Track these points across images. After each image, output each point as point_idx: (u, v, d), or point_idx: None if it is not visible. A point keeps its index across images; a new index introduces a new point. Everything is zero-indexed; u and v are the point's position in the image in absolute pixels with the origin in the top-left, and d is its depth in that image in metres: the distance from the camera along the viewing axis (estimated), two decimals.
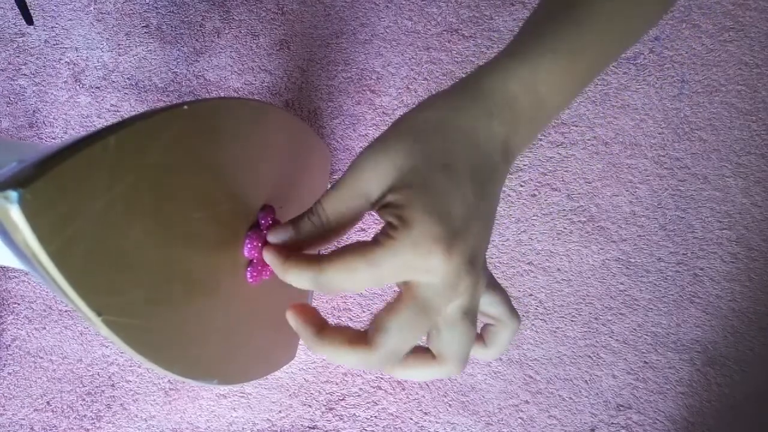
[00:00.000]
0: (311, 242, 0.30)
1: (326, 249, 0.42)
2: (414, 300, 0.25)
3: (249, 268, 0.34)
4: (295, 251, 0.29)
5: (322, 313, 0.59)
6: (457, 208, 0.26)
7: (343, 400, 0.56)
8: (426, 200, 0.25)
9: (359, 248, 0.25)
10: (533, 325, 0.55)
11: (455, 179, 0.26)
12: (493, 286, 0.29)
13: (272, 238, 0.30)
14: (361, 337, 0.25)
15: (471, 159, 0.27)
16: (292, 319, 0.29)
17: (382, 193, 0.26)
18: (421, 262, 0.24)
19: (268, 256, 0.29)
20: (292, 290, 0.46)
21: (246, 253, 0.33)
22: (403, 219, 0.25)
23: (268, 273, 0.36)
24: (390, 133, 0.27)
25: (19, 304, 0.59)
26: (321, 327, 0.27)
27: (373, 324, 0.25)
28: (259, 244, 0.33)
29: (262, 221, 0.35)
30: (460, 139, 0.27)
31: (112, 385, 0.58)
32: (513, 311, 0.29)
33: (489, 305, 0.29)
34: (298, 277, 0.27)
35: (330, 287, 0.26)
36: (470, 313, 0.26)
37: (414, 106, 0.28)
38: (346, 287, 0.26)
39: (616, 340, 0.54)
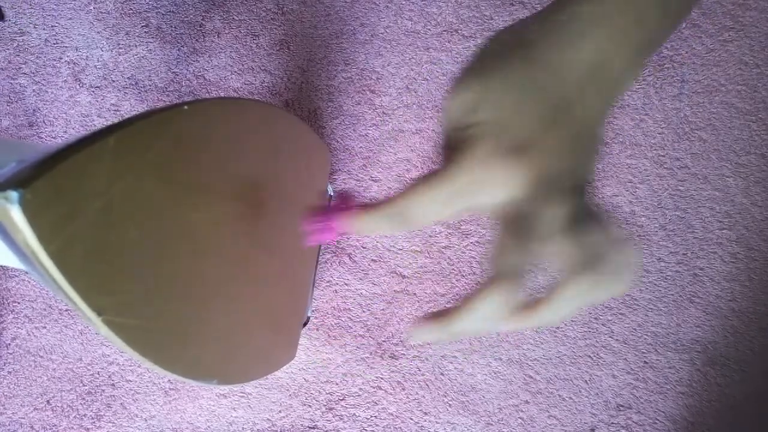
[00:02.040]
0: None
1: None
2: (504, 222, 0.25)
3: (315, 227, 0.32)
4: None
5: (322, 313, 0.59)
6: (529, 128, 0.26)
7: (343, 400, 0.56)
8: (497, 119, 0.26)
9: (433, 172, 0.26)
10: None
11: (530, 102, 0.26)
12: (593, 216, 0.27)
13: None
14: (480, 287, 0.26)
15: (552, 84, 0.26)
16: (422, 334, 0.28)
17: (465, 113, 0.27)
18: (489, 176, 0.25)
19: (351, 215, 0.29)
20: (292, 290, 0.46)
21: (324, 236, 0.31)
22: (472, 136, 0.26)
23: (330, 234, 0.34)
24: (477, 56, 0.28)
25: (19, 303, 0.59)
26: (445, 314, 0.27)
27: (486, 266, 0.26)
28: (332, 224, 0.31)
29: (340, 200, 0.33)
30: (543, 65, 0.27)
31: (112, 385, 0.58)
32: (616, 237, 0.26)
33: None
34: (379, 216, 0.27)
35: (409, 215, 0.27)
36: (571, 222, 0.26)
37: (511, 23, 0.29)
38: (425, 211, 0.27)
39: (616, 340, 0.54)
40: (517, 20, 0.29)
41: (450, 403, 0.55)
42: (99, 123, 0.60)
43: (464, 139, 0.26)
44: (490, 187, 0.25)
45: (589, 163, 0.27)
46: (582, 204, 0.27)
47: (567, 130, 0.26)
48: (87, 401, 0.58)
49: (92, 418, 0.58)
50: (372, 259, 0.57)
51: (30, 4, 0.61)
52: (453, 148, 0.27)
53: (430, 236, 0.56)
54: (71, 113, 0.60)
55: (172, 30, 0.60)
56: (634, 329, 0.54)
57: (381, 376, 0.56)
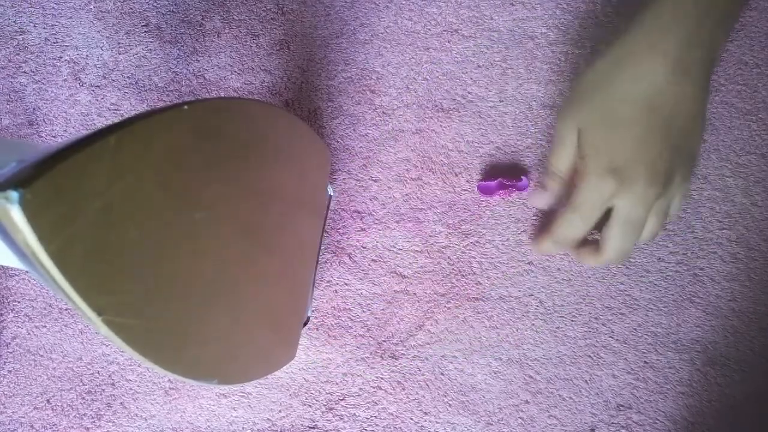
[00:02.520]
0: (556, 197, 0.43)
1: None
2: (575, 205, 0.38)
3: (501, 191, 0.52)
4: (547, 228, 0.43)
5: (322, 313, 0.59)
6: (621, 151, 0.34)
7: (343, 400, 0.56)
8: (596, 151, 0.35)
9: (568, 205, 0.39)
10: (533, 325, 0.55)
11: (616, 128, 0.34)
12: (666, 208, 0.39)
13: (536, 203, 0.46)
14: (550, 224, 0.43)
15: (628, 105, 0.34)
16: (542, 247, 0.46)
17: (577, 139, 0.37)
18: (605, 197, 0.35)
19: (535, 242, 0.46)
20: (293, 290, 0.46)
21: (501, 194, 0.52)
22: (582, 169, 0.36)
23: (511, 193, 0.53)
24: (568, 99, 0.38)
25: (19, 302, 0.59)
26: (541, 237, 0.44)
27: (554, 224, 0.42)
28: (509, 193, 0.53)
29: (522, 181, 0.52)
30: (618, 91, 0.34)
31: (112, 384, 0.58)
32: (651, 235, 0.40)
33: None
34: (545, 247, 0.44)
35: (563, 241, 0.41)
36: (629, 223, 0.37)
37: (590, 60, 0.43)
38: (573, 234, 0.39)
39: (616, 340, 0.55)
40: (592, 56, 0.40)
41: (450, 403, 0.55)
42: (99, 122, 0.60)
43: (579, 167, 0.37)
44: (607, 201, 0.36)
45: (684, 166, 0.37)
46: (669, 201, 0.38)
47: (654, 146, 0.34)
48: (87, 400, 0.58)
49: (92, 418, 0.58)
50: (372, 259, 0.57)
51: (30, 3, 0.61)
52: (575, 171, 0.39)
53: (430, 236, 0.56)
54: (71, 112, 0.60)
55: (172, 30, 0.60)
56: (634, 329, 0.54)
57: (381, 376, 0.56)
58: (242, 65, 0.59)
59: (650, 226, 0.39)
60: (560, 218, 0.39)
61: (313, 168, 0.47)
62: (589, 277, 0.55)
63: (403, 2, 0.58)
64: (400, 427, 0.56)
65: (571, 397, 0.55)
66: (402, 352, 0.56)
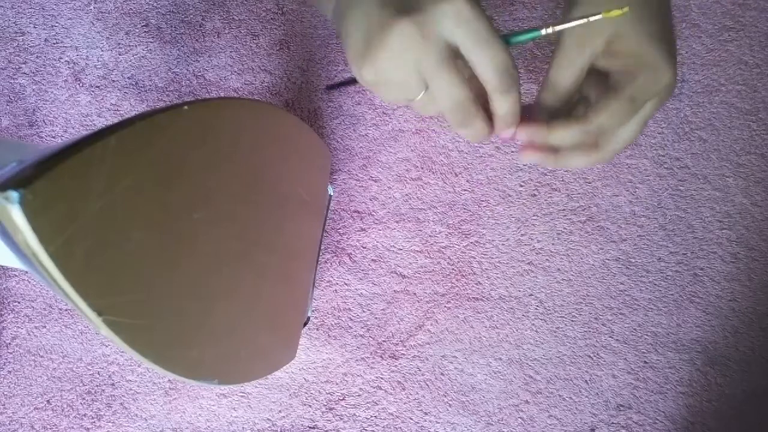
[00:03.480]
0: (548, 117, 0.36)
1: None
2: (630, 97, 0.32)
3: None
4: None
5: (322, 313, 0.59)
6: (660, 31, 0.31)
7: (343, 400, 0.56)
8: (641, 40, 0.31)
9: (616, 96, 0.32)
10: (533, 325, 0.55)
11: (645, 15, 0.31)
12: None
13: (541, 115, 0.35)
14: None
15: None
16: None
17: (602, 46, 0.32)
18: (660, 90, 0.32)
19: (538, 131, 0.34)
20: (293, 290, 0.46)
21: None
22: (636, 60, 0.32)
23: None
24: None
25: (19, 303, 0.59)
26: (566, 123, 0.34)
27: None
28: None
29: None
30: None
31: (112, 384, 0.58)
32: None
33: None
34: (568, 132, 0.33)
35: (602, 131, 0.33)
36: (647, 119, 0.34)
37: None
38: (614, 127, 0.32)
39: (616, 340, 0.54)
40: None
41: (450, 403, 0.55)
42: (99, 123, 0.60)
43: (625, 63, 0.33)
44: (653, 96, 0.32)
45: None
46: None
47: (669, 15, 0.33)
48: (87, 401, 0.58)
49: (92, 418, 0.58)
50: (372, 259, 0.57)
51: (30, 4, 0.61)
52: (609, 63, 0.34)
53: (430, 236, 0.56)
54: (71, 113, 0.60)
55: (172, 30, 0.60)
56: (634, 329, 0.54)
57: (381, 376, 0.56)
58: (242, 65, 0.59)
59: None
60: (605, 108, 0.32)
61: (313, 168, 0.47)
62: (589, 277, 0.55)
63: None
64: (400, 427, 0.56)
65: (571, 397, 0.55)
66: (402, 352, 0.56)
